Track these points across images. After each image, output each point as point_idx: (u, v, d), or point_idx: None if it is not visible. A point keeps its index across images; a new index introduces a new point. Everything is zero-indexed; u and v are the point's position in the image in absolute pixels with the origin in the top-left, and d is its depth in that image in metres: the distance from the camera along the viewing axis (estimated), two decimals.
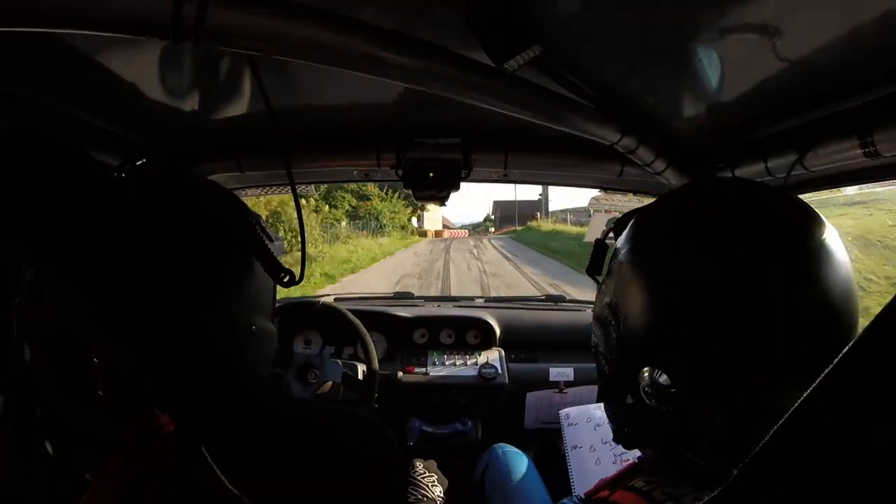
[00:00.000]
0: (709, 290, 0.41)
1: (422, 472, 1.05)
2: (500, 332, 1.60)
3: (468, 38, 0.55)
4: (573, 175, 1.24)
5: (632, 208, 0.54)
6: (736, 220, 0.43)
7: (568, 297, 1.95)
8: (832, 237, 0.42)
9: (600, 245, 0.59)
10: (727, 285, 0.41)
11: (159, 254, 0.39)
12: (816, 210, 0.44)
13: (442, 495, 1.04)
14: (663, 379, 0.43)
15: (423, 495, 1.00)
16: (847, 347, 0.24)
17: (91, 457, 0.41)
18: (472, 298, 1.94)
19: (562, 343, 1.59)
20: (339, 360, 1.31)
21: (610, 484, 0.50)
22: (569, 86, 0.69)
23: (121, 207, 0.39)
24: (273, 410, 0.46)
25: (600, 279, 0.54)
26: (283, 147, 1.01)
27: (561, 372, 1.51)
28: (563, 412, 1.25)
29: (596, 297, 0.53)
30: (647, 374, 0.44)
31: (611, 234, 0.56)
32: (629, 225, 0.52)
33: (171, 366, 0.40)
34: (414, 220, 35.14)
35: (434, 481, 1.04)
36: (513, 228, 41.06)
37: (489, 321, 1.60)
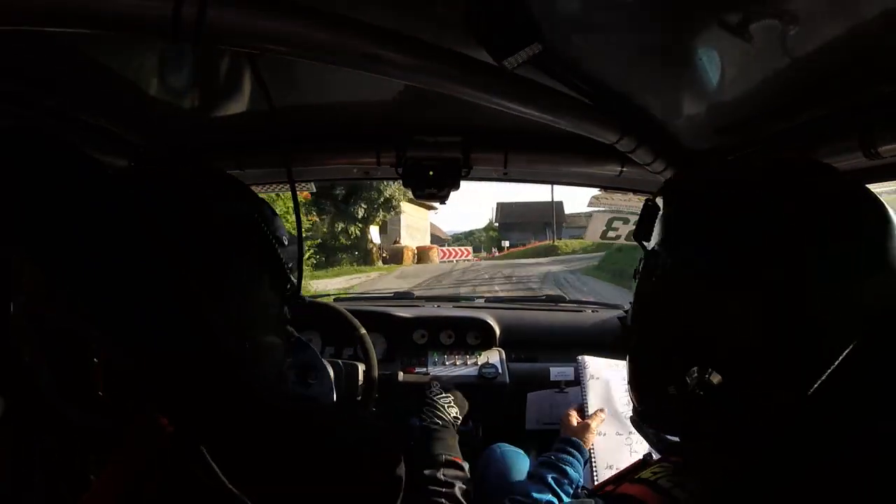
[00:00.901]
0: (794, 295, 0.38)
1: (438, 391, 1.04)
2: (500, 333, 1.60)
3: (468, 36, 0.55)
4: (573, 174, 1.24)
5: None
6: (822, 217, 0.40)
7: (568, 298, 1.95)
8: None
9: (649, 208, 0.53)
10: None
11: (159, 254, 0.39)
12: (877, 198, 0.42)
13: (458, 416, 1.03)
14: (717, 379, 0.40)
15: (439, 416, 0.99)
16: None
17: (91, 457, 0.41)
18: (472, 299, 1.94)
19: (562, 343, 1.59)
20: (339, 361, 1.30)
21: (615, 480, 0.50)
22: (569, 84, 0.69)
23: (121, 207, 0.39)
24: (273, 410, 0.46)
25: (649, 246, 0.50)
26: (283, 146, 1.01)
27: (561, 371, 1.50)
28: (580, 359, 1.21)
29: (642, 268, 0.50)
30: (697, 372, 0.41)
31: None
32: (686, 199, 0.48)
33: (171, 366, 0.40)
34: (374, 232, 17.61)
35: (451, 402, 1.03)
36: (541, 244, 26.35)
37: (489, 321, 1.60)
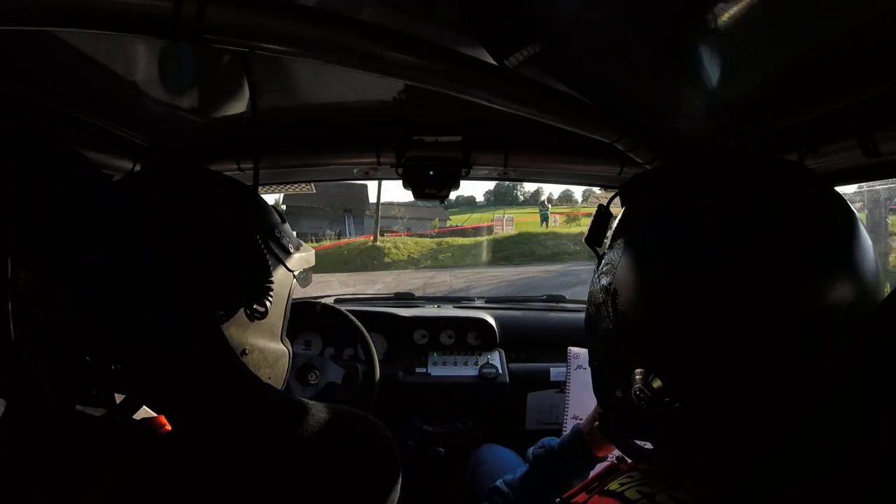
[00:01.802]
0: (735, 298, 0.36)
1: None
2: (501, 333, 1.60)
3: (468, 35, 0.55)
4: (573, 173, 1.24)
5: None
6: (779, 216, 0.38)
7: (568, 297, 1.95)
8: (863, 233, 0.38)
9: (602, 213, 0.54)
10: (758, 294, 0.36)
11: (159, 254, 0.39)
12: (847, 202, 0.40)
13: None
14: (657, 384, 0.39)
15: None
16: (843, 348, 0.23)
17: (90, 457, 0.41)
18: (472, 299, 1.94)
19: (562, 343, 1.58)
20: (339, 361, 1.30)
21: (586, 487, 0.50)
22: (569, 83, 0.69)
23: (120, 207, 0.39)
24: (273, 410, 0.46)
25: (600, 251, 0.50)
26: (283, 146, 1.01)
27: (561, 371, 1.50)
28: (573, 350, 1.18)
29: (594, 272, 0.49)
30: (639, 376, 0.40)
31: (616, 202, 0.52)
32: (641, 204, 0.47)
33: (170, 365, 0.39)
34: None
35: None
36: (353, 241, 15.03)
37: (489, 322, 1.60)
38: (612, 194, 0.57)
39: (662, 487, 0.39)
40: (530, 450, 0.79)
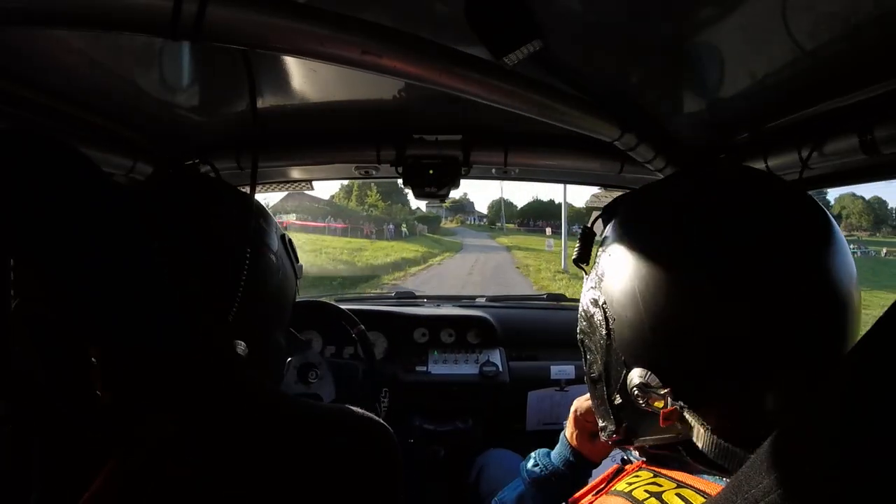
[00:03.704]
0: (711, 291, 0.39)
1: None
2: (501, 331, 1.60)
3: (467, 33, 0.55)
4: (573, 172, 1.24)
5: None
6: (742, 215, 0.41)
7: (568, 296, 1.95)
8: (838, 233, 0.41)
9: (587, 233, 0.57)
10: (732, 287, 0.38)
11: (160, 254, 0.39)
12: (821, 205, 0.42)
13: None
14: (654, 381, 0.41)
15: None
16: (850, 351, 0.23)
17: (91, 457, 0.41)
18: (472, 298, 1.94)
19: (563, 341, 1.59)
20: (339, 360, 1.31)
21: (594, 489, 0.50)
22: (569, 82, 0.69)
23: (121, 208, 0.38)
24: (273, 410, 0.46)
25: (587, 269, 0.53)
26: (283, 145, 1.01)
27: (562, 370, 1.51)
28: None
29: (583, 289, 0.52)
30: (636, 377, 0.42)
31: (598, 222, 0.54)
32: (619, 216, 0.49)
33: (171, 366, 0.39)
34: None
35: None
36: None
37: (490, 320, 1.60)
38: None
39: (670, 487, 0.39)
40: (524, 466, 0.80)
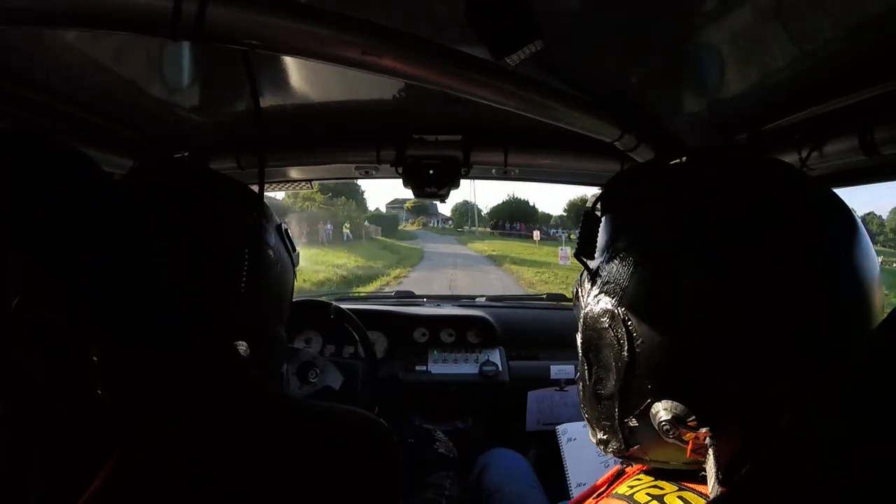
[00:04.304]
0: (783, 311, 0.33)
1: (442, 435, 1.19)
2: (501, 331, 1.60)
3: (468, 33, 0.55)
4: (573, 173, 1.24)
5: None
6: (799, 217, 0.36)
7: (569, 297, 1.94)
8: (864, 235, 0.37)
9: (591, 219, 0.45)
10: (805, 308, 0.33)
11: (160, 254, 0.39)
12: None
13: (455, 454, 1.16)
14: (683, 411, 0.36)
15: (448, 449, 1.11)
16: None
17: (91, 457, 0.41)
18: (472, 297, 1.94)
19: (562, 341, 1.58)
20: (339, 360, 1.31)
21: (594, 492, 0.50)
22: (569, 82, 0.69)
23: (121, 207, 0.38)
24: (274, 410, 0.46)
25: (592, 265, 0.44)
26: (283, 145, 1.01)
27: (562, 369, 1.51)
28: (560, 428, 1.18)
29: (587, 289, 0.44)
30: (665, 410, 0.37)
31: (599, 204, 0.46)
32: (641, 201, 0.41)
33: (171, 366, 0.39)
34: None
35: (453, 445, 1.18)
36: None
37: (489, 320, 1.60)
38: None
39: (672, 490, 0.39)
40: None
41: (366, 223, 29.51)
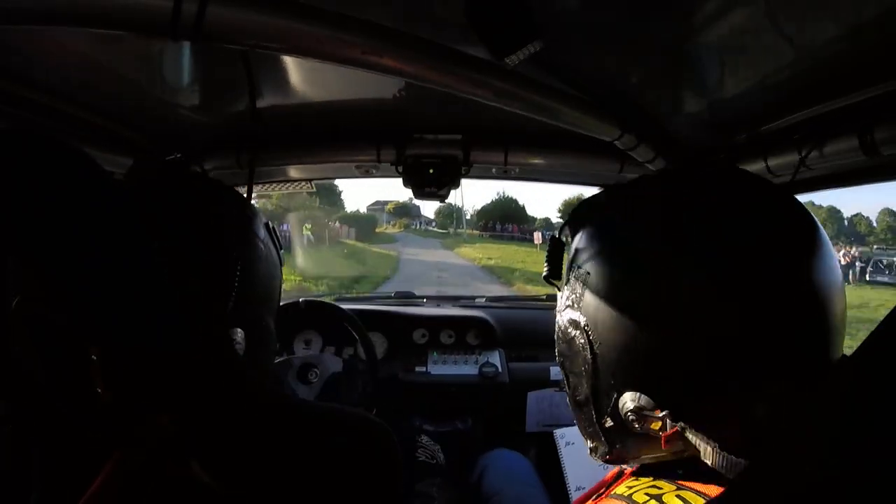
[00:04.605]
0: (712, 294, 0.37)
1: (428, 440, 1.18)
2: (501, 332, 1.60)
3: (468, 33, 0.55)
4: (573, 172, 1.24)
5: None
6: (734, 220, 0.39)
7: None
8: (826, 239, 0.40)
9: (556, 244, 0.51)
10: (733, 288, 0.36)
11: (159, 254, 0.39)
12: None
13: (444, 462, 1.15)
14: (648, 404, 0.39)
15: (431, 456, 1.09)
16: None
17: (91, 457, 0.41)
18: (472, 298, 1.94)
19: None
20: (339, 358, 1.31)
21: (593, 493, 0.50)
22: (569, 82, 0.69)
23: (121, 208, 0.38)
24: (274, 410, 0.46)
25: (559, 286, 0.49)
26: (283, 144, 1.01)
27: None
28: (557, 432, 1.19)
29: (557, 307, 0.48)
30: (628, 401, 0.40)
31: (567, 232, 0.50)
32: (593, 224, 0.46)
33: (171, 365, 0.39)
34: None
35: (439, 449, 1.18)
36: None
37: (489, 321, 1.60)
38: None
39: (670, 489, 0.39)
40: None
41: (336, 224, 25.50)
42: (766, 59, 0.58)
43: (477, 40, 0.55)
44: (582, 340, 0.43)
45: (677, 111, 0.80)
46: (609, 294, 0.41)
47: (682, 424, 0.38)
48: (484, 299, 1.92)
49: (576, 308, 0.44)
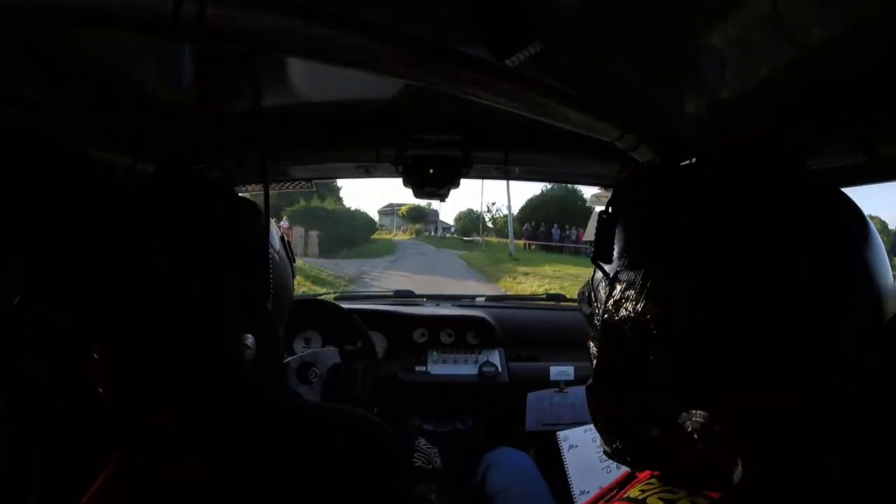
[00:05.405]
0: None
1: (425, 443, 1.17)
2: (501, 332, 1.60)
3: (468, 33, 0.55)
4: (573, 172, 1.24)
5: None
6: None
7: (568, 297, 1.95)
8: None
9: (609, 220, 0.44)
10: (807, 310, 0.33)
11: (160, 254, 0.39)
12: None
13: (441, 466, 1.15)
14: (706, 416, 0.34)
15: (427, 460, 1.09)
16: None
17: (91, 457, 0.41)
18: (472, 297, 1.94)
19: (562, 342, 1.59)
20: (339, 360, 1.31)
21: (604, 495, 0.49)
22: (570, 82, 0.69)
23: (121, 208, 0.38)
24: (274, 410, 0.46)
25: (609, 270, 0.43)
26: (283, 144, 1.01)
27: (561, 371, 1.51)
28: (560, 434, 1.16)
29: (603, 293, 0.43)
30: (697, 419, 0.35)
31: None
32: (677, 204, 0.40)
33: (171, 366, 0.39)
34: None
35: (436, 453, 1.17)
36: None
37: (489, 320, 1.60)
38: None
39: (683, 494, 0.38)
40: None
41: (311, 233, 17.21)
42: (766, 59, 0.58)
43: (477, 40, 0.55)
44: (645, 339, 0.37)
45: (677, 111, 0.80)
46: (705, 292, 0.36)
47: (742, 444, 0.34)
48: (483, 298, 1.91)
49: (639, 297, 0.38)
